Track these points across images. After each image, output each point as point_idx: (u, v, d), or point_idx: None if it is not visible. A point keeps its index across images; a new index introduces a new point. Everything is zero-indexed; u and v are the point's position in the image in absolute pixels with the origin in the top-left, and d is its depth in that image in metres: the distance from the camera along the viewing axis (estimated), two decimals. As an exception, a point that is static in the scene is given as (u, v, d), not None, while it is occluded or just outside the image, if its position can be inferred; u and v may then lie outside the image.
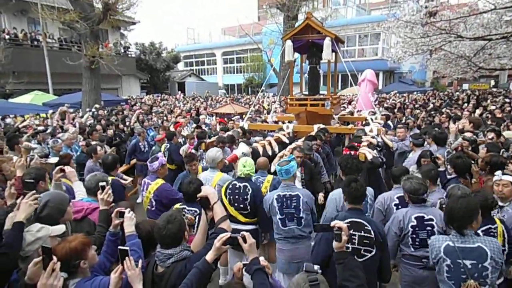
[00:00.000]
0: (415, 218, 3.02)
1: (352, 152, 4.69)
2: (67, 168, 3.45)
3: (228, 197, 3.80)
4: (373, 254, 2.60)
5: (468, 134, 5.64)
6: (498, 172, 3.43)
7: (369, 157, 4.71)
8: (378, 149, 5.28)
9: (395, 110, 10.94)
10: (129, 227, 2.35)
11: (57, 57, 17.11)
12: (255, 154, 4.97)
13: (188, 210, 3.33)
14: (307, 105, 6.82)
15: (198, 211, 3.23)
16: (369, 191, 3.57)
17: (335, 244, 2.05)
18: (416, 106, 12.87)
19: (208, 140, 6.19)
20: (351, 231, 2.53)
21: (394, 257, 3.26)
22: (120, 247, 2.12)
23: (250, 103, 14.06)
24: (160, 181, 3.89)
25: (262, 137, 6.22)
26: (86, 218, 2.84)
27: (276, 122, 8.00)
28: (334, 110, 6.89)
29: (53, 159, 4.24)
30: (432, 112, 10.64)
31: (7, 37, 17.45)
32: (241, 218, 3.78)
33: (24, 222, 2.24)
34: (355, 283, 1.85)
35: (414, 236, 3.03)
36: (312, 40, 6.60)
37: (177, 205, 3.53)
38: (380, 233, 2.65)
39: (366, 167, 4.61)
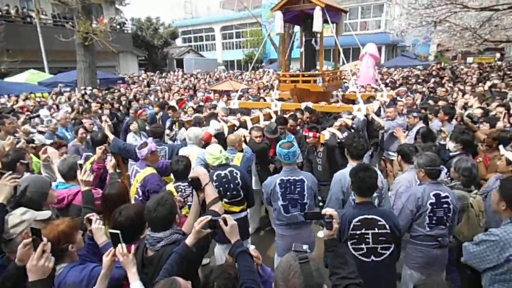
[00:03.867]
0: (434, 195, 2.87)
1: (311, 133, 4.54)
2: (49, 149, 3.40)
3: (217, 190, 3.32)
4: (392, 250, 2.45)
5: (477, 111, 5.51)
6: (500, 147, 3.38)
7: (327, 137, 4.56)
8: (352, 130, 5.03)
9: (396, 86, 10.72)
10: (100, 238, 2.21)
11: (51, 34, 16.58)
12: (221, 135, 4.81)
13: (183, 186, 3.34)
14: (298, 81, 6.51)
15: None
16: (382, 178, 3.31)
17: (326, 232, 1.98)
18: (418, 81, 12.61)
19: (184, 119, 6.11)
20: (363, 230, 2.40)
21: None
22: (110, 230, 2.05)
23: (249, 79, 13.76)
24: (149, 170, 3.60)
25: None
26: (71, 205, 2.78)
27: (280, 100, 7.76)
28: (327, 87, 6.42)
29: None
30: (434, 87, 10.43)
31: (-1, 14, 17.03)
32: (234, 208, 3.53)
33: (4, 203, 2.18)
34: (346, 270, 1.81)
35: (432, 214, 2.88)
36: (304, 10, 6.14)
37: (171, 184, 3.46)
38: (397, 226, 2.48)
39: (325, 148, 4.56)
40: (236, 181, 3.48)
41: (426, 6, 10.32)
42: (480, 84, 10.18)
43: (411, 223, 2.98)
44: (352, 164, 3.32)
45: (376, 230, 2.40)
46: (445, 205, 2.88)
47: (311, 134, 4.56)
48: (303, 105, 6.08)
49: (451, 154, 4.05)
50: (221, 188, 3.44)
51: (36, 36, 16.08)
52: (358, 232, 2.42)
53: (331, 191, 3.32)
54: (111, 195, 2.70)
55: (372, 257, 2.43)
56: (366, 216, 2.42)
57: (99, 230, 2.22)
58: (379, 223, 2.41)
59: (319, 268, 1.48)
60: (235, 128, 5.20)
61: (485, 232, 2.43)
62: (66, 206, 2.79)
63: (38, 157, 3.75)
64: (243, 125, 5.39)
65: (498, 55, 28.13)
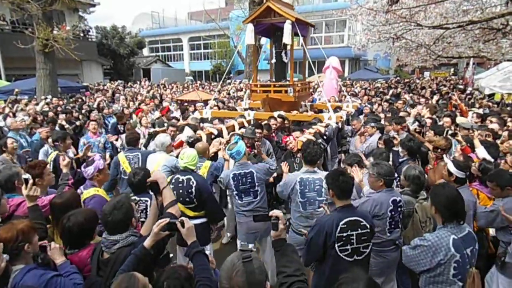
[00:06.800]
0: (392, 202, 3.05)
1: (291, 137, 4.81)
2: None
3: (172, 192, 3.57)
4: (370, 248, 2.62)
5: (428, 121, 5.92)
6: (444, 156, 3.65)
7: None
8: (325, 137, 5.28)
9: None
10: (58, 258, 2.17)
11: (9, 40, 15.82)
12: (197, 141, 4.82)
13: (138, 200, 3.23)
14: (270, 91, 6.71)
15: (149, 201, 3.10)
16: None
17: (272, 233, 2.05)
18: (377, 93, 13.26)
19: (158, 129, 6.11)
20: (349, 232, 2.51)
21: None
22: None
23: (217, 90, 13.84)
24: (92, 191, 3.16)
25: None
26: (13, 216, 2.67)
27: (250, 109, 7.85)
28: (297, 97, 6.67)
29: None
30: (393, 99, 11.01)
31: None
32: (189, 212, 3.59)
33: None
34: (292, 268, 1.87)
35: (391, 220, 3.05)
36: (274, 23, 6.38)
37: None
38: (372, 222, 2.67)
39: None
40: (190, 190, 3.51)
41: (383, 23, 10.90)
42: (435, 96, 10.89)
43: None
44: (305, 168, 3.53)
45: (359, 231, 2.54)
46: (399, 209, 3.09)
47: (291, 138, 4.82)
48: (275, 114, 6.25)
49: (400, 160, 4.37)
50: (174, 192, 3.46)
51: (-8, 42, 15.32)
52: (344, 234, 2.52)
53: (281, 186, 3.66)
54: (58, 204, 2.62)
55: (355, 257, 2.55)
56: (350, 218, 2.54)
57: (56, 249, 2.17)
58: (361, 223, 2.56)
59: (261, 266, 1.57)
60: (213, 137, 5.24)
61: (420, 237, 2.56)
62: (8, 217, 2.65)
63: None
64: (220, 134, 5.45)
65: (452, 70, 30.16)
